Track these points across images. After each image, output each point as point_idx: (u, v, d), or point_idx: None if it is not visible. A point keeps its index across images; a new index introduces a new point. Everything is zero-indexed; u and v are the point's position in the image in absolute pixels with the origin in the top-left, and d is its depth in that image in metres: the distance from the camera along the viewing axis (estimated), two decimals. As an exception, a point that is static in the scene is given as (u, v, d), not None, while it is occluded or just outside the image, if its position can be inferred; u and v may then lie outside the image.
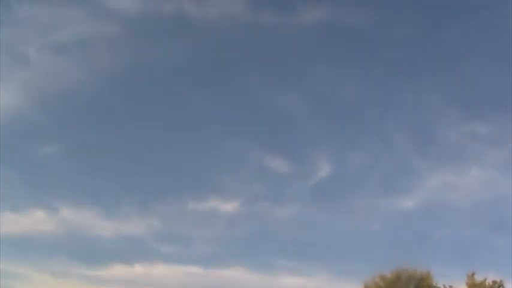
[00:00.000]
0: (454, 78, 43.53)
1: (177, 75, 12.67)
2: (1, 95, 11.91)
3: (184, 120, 13.38)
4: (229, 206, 15.98)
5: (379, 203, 44.63)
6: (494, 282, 25.60)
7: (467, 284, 25.86)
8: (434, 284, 29.49)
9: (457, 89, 45.31)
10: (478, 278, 25.81)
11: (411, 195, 46.76)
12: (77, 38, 11.50)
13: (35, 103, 11.70)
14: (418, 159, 45.39)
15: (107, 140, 13.00)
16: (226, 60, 13.52)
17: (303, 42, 14.33)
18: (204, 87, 13.58)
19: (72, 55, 11.52)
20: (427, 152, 45.77)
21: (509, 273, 25.78)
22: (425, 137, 48.21)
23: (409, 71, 45.05)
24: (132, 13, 12.30)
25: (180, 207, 14.44)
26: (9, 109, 11.96)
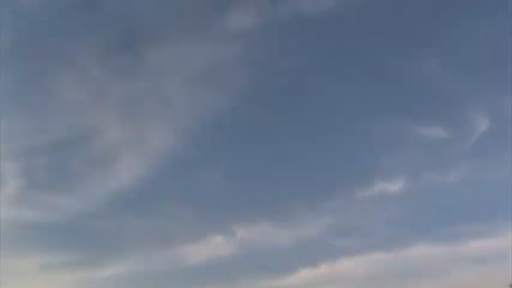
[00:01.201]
0: None
1: (308, 66, 12.38)
2: (153, 136, 12.15)
3: (328, 109, 13.17)
4: (395, 185, 15.42)
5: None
6: None
7: None
8: None
9: None
10: None
11: None
12: (207, 67, 11.62)
13: (186, 136, 11.85)
14: None
15: (261, 154, 12.86)
16: (363, 36, 13.06)
17: (435, 3, 13.63)
18: (339, 69, 13.28)
19: (207, 83, 11.61)
20: None
21: None
22: None
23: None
24: (251, 29, 12.26)
25: (348, 198, 14.18)
26: (164, 148, 12.26)
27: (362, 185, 16.96)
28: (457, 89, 16.73)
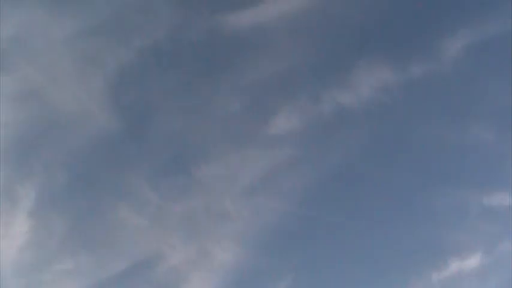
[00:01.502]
0: None
1: (359, 158, 12.44)
2: (217, 252, 12.65)
3: (388, 195, 13.24)
4: (472, 261, 14.65)
5: None
6: None
7: None
8: None
9: None
10: None
11: None
12: (261, 175, 12.23)
13: (250, 247, 12.24)
14: None
15: (328, 254, 12.89)
16: (407, 117, 13.04)
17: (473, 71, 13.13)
18: (391, 155, 13.38)
19: (263, 191, 12.16)
20: None
21: None
22: None
23: None
24: (297, 130, 12.96)
25: (424, 283, 13.74)
26: (230, 261, 12.64)
27: (437, 267, 16.27)
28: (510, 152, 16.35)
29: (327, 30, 12.89)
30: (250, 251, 14.64)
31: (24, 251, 11.66)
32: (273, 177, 13.24)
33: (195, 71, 12.64)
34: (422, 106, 13.84)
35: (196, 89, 12.51)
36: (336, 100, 12.78)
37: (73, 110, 12.20)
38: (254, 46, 12.71)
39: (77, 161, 12.07)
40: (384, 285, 16.64)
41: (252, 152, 12.61)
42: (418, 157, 14.82)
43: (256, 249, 14.40)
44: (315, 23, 12.82)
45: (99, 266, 12.20)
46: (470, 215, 16.79)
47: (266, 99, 12.65)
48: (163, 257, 12.79)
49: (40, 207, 11.94)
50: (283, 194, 13.43)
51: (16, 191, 11.91)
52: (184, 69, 12.57)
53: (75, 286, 11.91)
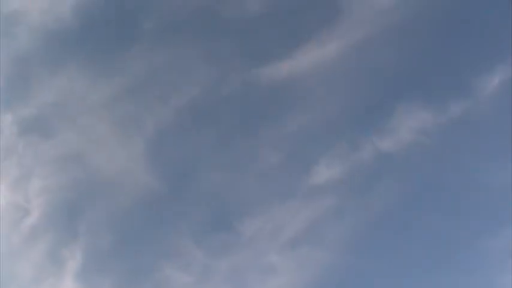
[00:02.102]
0: None
1: (401, 204, 12.16)
2: None
3: (434, 240, 13.01)
4: None
5: None
6: None
7: None
8: None
9: None
10: None
11: None
12: (304, 226, 12.31)
13: None
14: None
15: None
16: (446, 159, 12.80)
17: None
18: (433, 199, 13.08)
19: (307, 242, 12.27)
20: None
21: None
22: None
23: None
24: (338, 179, 12.83)
25: None
26: None
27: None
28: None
29: (362, 76, 12.81)
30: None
31: (71, 314, 11.67)
32: (316, 227, 13.07)
33: (233, 125, 12.66)
34: (463, 146, 13.57)
35: (235, 143, 12.51)
36: (376, 146, 12.62)
37: (114, 171, 12.29)
38: (291, 97, 12.68)
39: (121, 222, 12.12)
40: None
41: (294, 203, 12.51)
42: (461, 199, 14.45)
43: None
44: (350, 70, 12.76)
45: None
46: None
47: (305, 150, 12.55)
48: (210, 314, 12.71)
49: (86, 269, 11.96)
50: (327, 245, 13.23)
51: (62, 253, 11.97)
52: (222, 125, 12.59)
53: None
